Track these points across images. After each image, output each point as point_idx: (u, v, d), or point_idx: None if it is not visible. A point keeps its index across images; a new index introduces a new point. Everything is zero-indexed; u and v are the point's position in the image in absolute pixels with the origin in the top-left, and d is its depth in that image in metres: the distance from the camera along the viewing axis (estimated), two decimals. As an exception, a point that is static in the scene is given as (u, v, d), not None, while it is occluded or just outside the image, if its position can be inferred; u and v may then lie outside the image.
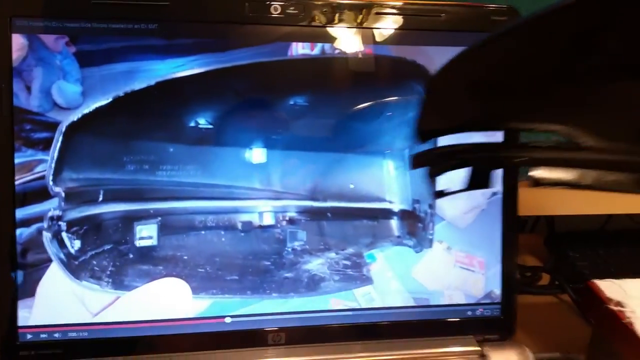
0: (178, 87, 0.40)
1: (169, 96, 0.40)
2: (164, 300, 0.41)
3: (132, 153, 0.40)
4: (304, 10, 0.40)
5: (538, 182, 0.27)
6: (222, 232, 0.42)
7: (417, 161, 0.30)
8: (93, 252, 0.40)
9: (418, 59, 0.43)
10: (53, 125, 0.39)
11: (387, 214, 0.44)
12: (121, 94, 0.39)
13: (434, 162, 0.29)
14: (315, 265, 0.43)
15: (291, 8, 0.40)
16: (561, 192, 0.53)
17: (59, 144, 0.39)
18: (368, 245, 0.44)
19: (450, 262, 0.44)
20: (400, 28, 0.42)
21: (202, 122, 0.40)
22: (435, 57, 0.43)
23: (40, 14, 0.38)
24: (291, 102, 0.42)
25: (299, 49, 0.41)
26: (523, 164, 0.28)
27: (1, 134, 0.39)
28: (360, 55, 0.42)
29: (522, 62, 0.25)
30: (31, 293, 0.40)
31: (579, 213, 0.61)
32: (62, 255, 0.40)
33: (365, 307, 0.44)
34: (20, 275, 0.40)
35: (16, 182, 0.39)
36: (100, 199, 0.40)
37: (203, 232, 0.41)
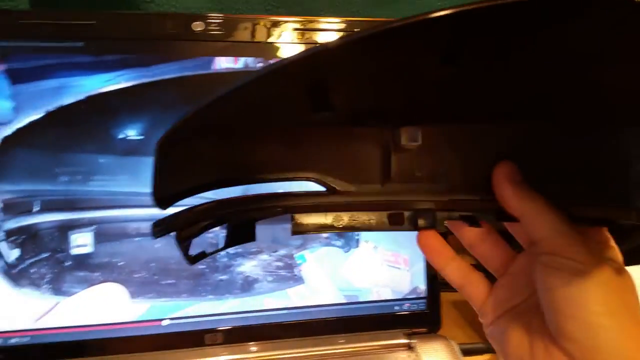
0: (107, 101, 0.41)
1: (99, 110, 0.41)
2: (103, 305, 0.43)
3: (65, 165, 0.41)
4: (225, 27, 0.42)
5: (298, 230, 0.28)
6: (158, 239, 0.43)
7: (158, 229, 0.26)
8: (31, 260, 0.42)
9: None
10: (-13, 140, 0.41)
11: (318, 216, 0.46)
12: (52, 108, 0.41)
13: (180, 227, 0.26)
14: (249, 267, 0.45)
15: (213, 25, 0.42)
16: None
17: (-6, 158, 0.41)
18: (298, 247, 0.46)
19: (378, 260, 0.47)
20: (316, 43, 0.44)
21: (132, 133, 0.42)
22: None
23: (-29, 33, 0.40)
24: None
25: (222, 63, 0.43)
26: (278, 213, 0.28)
27: (-63, 149, 0.40)
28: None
29: (261, 112, 0.25)
30: (-28, 302, 0.42)
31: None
32: (1, 264, 0.42)
33: (298, 306, 0.46)
34: (-38, 284, 0.41)
35: (-47, 196, 0.41)
36: (37, 209, 0.42)
37: (137, 238, 0.43)
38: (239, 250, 0.45)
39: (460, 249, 0.30)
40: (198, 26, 0.41)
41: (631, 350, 0.22)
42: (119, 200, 0.42)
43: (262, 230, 0.45)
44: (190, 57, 0.42)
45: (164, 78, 0.42)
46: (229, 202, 0.28)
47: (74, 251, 0.42)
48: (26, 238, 0.42)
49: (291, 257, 0.46)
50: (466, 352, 0.46)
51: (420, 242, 0.29)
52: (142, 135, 0.42)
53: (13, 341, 0.43)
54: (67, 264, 0.42)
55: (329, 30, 0.44)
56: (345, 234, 0.46)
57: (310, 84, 0.23)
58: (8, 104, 0.41)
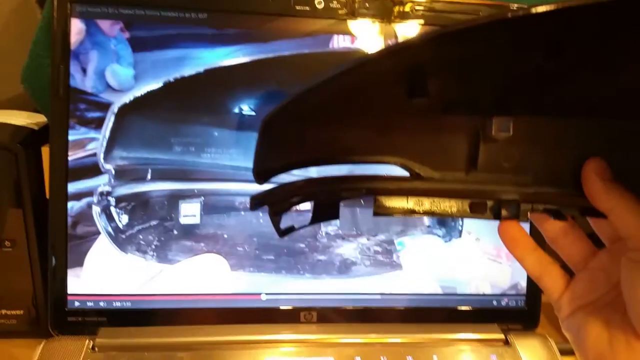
0: (225, 75, 0.42)
1: (216, 83, 0.42)
2: (204, 275, 0.44)
3: (179, 135, 0.42)
4: (346, 5, 0.42)
5: (379, 211, 0.28)
6: (260, 214, 0.44)
7: (255, 202, 0.28)
8: (139, 227, 0.43)
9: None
10: (106, 106, 0.42)
11: (418, 203, 0.45)
12: (171, 79, 0.41)
13: (273, 202, 0.28)
14: (348, 249, 0.45)
15: (334, 2, 0.41)
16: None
17: (110, 124, 0.42)
18: (399, 232, 0.45)
19: (478, 253, 0.46)
20: (438, 25, 0.43)
21: (246, 108, 0.42)
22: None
23: (98, 0, 0.40)
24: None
25: (340, 42, 0.42)
26: (362, 194, 0.29)
27: (58, 112, 0.41)
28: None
29: (357, 98, 0.26)
30: (80, 263, 0.43)
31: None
32: (109, 229, 0.43)
33: (393, 292, 0.45)
34: (70, 246, 0.43)
35: (69, 158, 0.42)
36: (149, 177, 0.42)
37: (243, 212, 0.43)
38: (339, 232, 0.45)
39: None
40: (320, 3, 0.41)
41: None
42: (228, 173, 0.43)
43: (363, 213, 0.45)
44: (309, 35, 0.42)
45: (281, 54, 0.42)
46: (318, 180, 0.29)
47: (183, 220, 0.43)
48: (136, 205, 0.43)
49: (391, 242, 0.45)
50: (563, 353, 0.44)
51: (501, 232, 0.29)
52: (256, 111, 0.42)
53: (116, 305, 0.44)
54: (174, 232, 0.43)
55: (453, 13, 0.43)
56: (448, 223, 0.45)
57: (407, 72, 0.24)
58: (128, 71, 0.41)
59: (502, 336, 0.45)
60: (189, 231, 0.43)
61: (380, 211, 0.28)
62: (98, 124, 0.42)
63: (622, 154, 0.26)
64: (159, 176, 0.42)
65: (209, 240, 0.43)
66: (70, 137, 0.41)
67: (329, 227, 0.44)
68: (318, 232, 0.44)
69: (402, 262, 0.45)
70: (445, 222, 0.45)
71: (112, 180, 0.42)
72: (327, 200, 0.29)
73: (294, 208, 0.29)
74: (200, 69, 0.41)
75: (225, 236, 0.43)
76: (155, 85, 0.41)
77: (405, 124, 0.27)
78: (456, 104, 0.26)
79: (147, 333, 0.43)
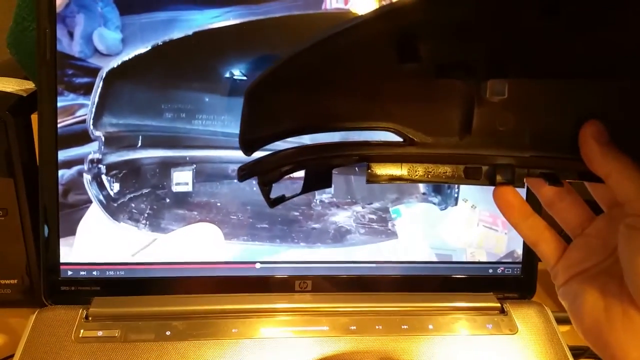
0: (214, 38, 0.40)
1: (206, 46, 0.41)
2: (198, 244, 0.43)
3: (169, 101, 0.41)
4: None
5: (372, 179, 0.28)
6: (254, 182, 0.43)
7: (243, 173, 0.28)
8: (131, 195, 0.42)
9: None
10: (94, 71, 0.41)
11: (414, 171, 0.45)
12: (160, 42, 0.40)
13: (262, 172, 0.28)
14: (342, 217, 0.44)
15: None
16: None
17: (99, 89, 0.41)
18: (394, 200, 0.45)
19: (474, 220, 0.45)
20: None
21: (237, 73, 0.41)
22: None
23: (83, -40, 0.39)
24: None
25: (332, 3, 0.41)
26: (354, 161, 0.28)
27: (44, 77, 0.40)
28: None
29: (347, 63, 0.25)
30: (72, 232, 0.42)
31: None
32: (101, 197, 0.42)
33: (389, 260, 0.45)
34: (61, 214, 0.42)
35: (59, 125, 0.41)
36: (139, 144, 0.42)
37: (236, 180, 0.43)
38: (334, 200, 0.44)
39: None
40: (314, -38, 0.40)
41: None
42: (221, 140, 0.42)
43: (357, 181, 0.44)
44: (302, -4, 0.40)
45: (272, 16, 0.40)
46: (308, 148, 0.28)
47: (175, 188, 0.42)
48: (127, 172, 0.42)
49: (386, 210, 0.45)
50: (560, 321, 0.44)
51: (496, 197, 0.28)
52: (247, 75, 0.41)
53: (109, 274, 0.43)
54: (166, 200, 0.42)
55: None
56: (444, 190, 0.45)
57: (398, 36, 0.23)
58: (116, 35, 0.40)
59: (498, 305, 0.45)
60: (181, 199, 0.43)
61: (374, 179, 0.28)
62: (87, 89, 0.41)
63: (621, 115, 0.26)
64: (150, 143, 0.42)
65: (202, 209, 0.43)
66: (59, 104, 0.41)
67: (324, 195, 0.44)
68: (312, 201, 0.44)
69: (397, 230, 0.45)
70: (441, 190, 0.45)
71: (103, 147, 0.42)
72: (319, 169, 0.29)
73: (285, 177, 0.28)
74: (190, 32, 0.40)
75: (219, 204, 0.43)
76: (143, 49, 0.40)
77: (397, 89, 0.27)
78: (449, 67, 0.26)
79: (140, 302, 0.43)
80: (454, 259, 0.46)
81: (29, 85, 0.46)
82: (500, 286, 0.46)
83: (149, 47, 0.40)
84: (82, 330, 0.41)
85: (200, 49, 0.40)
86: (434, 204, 0.45)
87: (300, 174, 0.29)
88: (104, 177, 0.42)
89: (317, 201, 0.44)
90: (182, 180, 0.42)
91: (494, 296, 0.45)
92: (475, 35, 0.24)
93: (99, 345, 0.40)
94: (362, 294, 0.45)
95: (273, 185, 0.29)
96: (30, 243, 0.46)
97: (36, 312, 0.42)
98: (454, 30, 0.23)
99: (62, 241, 0.42)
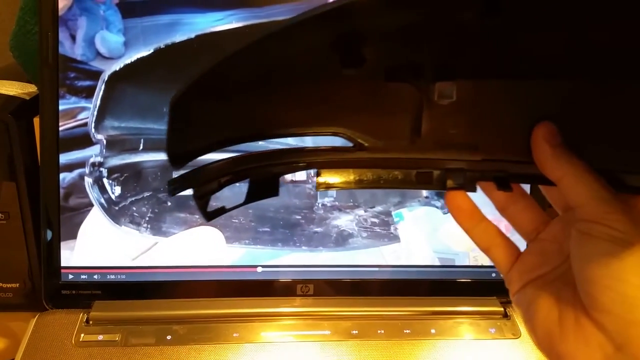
0: (217, 41, 0.40)
1: (208, 49, 0.40)
2: (200, 248, 0.43)
3: (171, 104, 0.41)
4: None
5: (322, 187, 0.27)
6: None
7: (175, 187, 0.26)
8: (133, 199, 0.42)
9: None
10: (96, 74, 0.41)
11: (417, 174, 0.44)
12: (162, 45, 0.40)
13: (198, 184, 0.26)
14: (344, 221, 0.44)
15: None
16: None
17: (101, 93, 0.41)
18: (396, 204, 0.44)
19: (478, 224, 0.45)
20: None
21: (240, 76, 0.41)
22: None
23: (86, -37, 0.39)
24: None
25: (337, 6, 0.41)
26: (301, 168, 0.27)
27: (46, 80, 0.40)
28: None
29: (286, 66, 0.24)
30: (73, 235, 0.42)
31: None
32: (102, 200, 0.42)
33: (391, 264, 0.45)
34: (62, 218, 0.42)
35: (60, 128, 0.41)
36: (141, 147, 0.42)
37: (237, 184, 0.42)
38: (336, 203, 0.44)
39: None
40: (316, -35, 0.40)
41: None
42: (222, 143, 0.42)
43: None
44: (304, 0, 0.40)
45: (275, 19, 0.40)
46: (245, 157, 0.27)
47: (177, 192, 0.42)
48: (129, 176, 0.42)
49: (388, 214, 0.44)
50: (563, 326, 0.44)
51: (447, 202, 0.28)
52: (250, 78, 0.41)
53: (110, 278, 0.43)
54: (168, 204, 0.42)
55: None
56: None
57: (339, 38, 0.22)
58: (118, 38, 0.40)
59: (501, 309, 0.45)
60: (183, 203, 0.42)
61: (324, 187, 0.27)
62: (89, 93, 0.41)
63: (573, 117, 0.25)
64: (152, 146, 0.42)
65: (203, 212, 0.43)
66: (61, 107, 0.41)
67: (326, 199, 0.44)
68: (314, 204, 0.44)
69: (399, 234, 0.45)
70: (443, 194, 0.44)
71: (104, 150, 0.42)
72: (264, 177, 0.28)
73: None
74: (192, 35, 0.40)
75: (220, 208, 0.43)
76: (146, 52, 0.40)
77: (343, 92, 0.26)
78: (396, 70, 0.25)
79: (141, 306, 0.43)
80: (457, 263, 0.45)
81: (32, 88, 0.46)
82: (504, 290, 0.45)
83: (151, 50, 0.40)
84: (82, 334, 0.40)
85: (203, 52, 0.40)
86: (437, 207, 0.45)
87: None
88: (105, 181, 0.42)
89: (319, 204, 0.44)
90: (183, 183, 0.42)
91: (497, 300, 0.45)
92: (420, 36, 0.23)
93: (99, 349, 0.40)
94: (364, 298, 0.45)
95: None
96: (32, 247, 0.45)
97: (37, 316, 0.42)
98: (399, 31, 0.22)
99: (63, 245, 0.42)
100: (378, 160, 0.27)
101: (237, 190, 0.42)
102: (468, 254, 0.45)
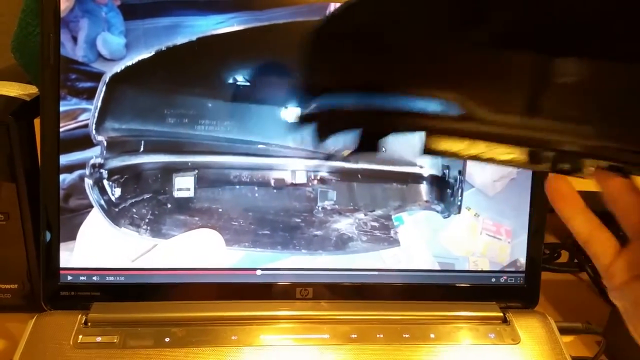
0: (218, 44, 0.40)
1: (209, 52, 0.41)
2: (199, 250, 0.43)
3: (172, 106, 0.41)
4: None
5: (429, 149, 0.27)
6: (256, 188, 0.43)
7: (306, 118, 0.28)
8: (133, 200, 0.42)
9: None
10: (97, 76, 0.41)
11: (416, 178, 0.44)
12: (163, 48, 0.40)
13: (325, 122, 0.28)
14: (344, 225, 0.44)
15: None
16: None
17: (102, 94, 0.41)
18: (397, 208, 0.44)
19: (477, 229, 0.45)
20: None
21: (240, 79, 0.41)
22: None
23: (88, -35, 0.39)
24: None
25: (338, 9, 0.41)
26: (409, 130, 0.27)
27: (48, 82, 0.40)
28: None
29: (405, 23, 0.24)
30: (72, 237, 0.42)
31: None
32: (102, 202, 0.42)
33: (390, 268, 0.45)
34: (62, 219, 0.42)
35: (61, 129, 0.41)
36: (141, 149, 0.42)
37: (237, 186, 0.43)
38: (336, 206, 0.44)
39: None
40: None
41: None
42: (223, 146, 0.42)
43: (360, 188, 0.44)
44: (305, 3, 0.40)
45: (276, 22, 0.40)
46: (373, 109, 0.27)
47: (177, 194, 0.42)
48: (129, 177, 0.42)
49: (388, 218, 0.44)
50: (563, 331, 0.44)
51: (549, 187, 0.27)
52: (250, 81, 0.41)
53: (109, 279, 0.43)
54: (168, 206, 0.42)
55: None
56: (447, 198, 0.44)
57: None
58: (120, 40, 0.40)
59: (500, 314, 0.44)
60: (183, 205, 0.42)
61: (431, 149, 0.27)
62: (90, 94, 0.41)
63: None
64: (152, 148, 0.42)
65: (203, 215, 0.43)
66: (62, 108, 0.41)
67: (326, 202, 0.43)
68: (314, 207, 0.43)
69: (399, 237, 0.45)
70: (444, 198, 0.44)
71: (105, 152, 0.42)
72: (373, 131, 0.28)
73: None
74: (193, 38, 0.40)
75: (220, 210, 0.43)
76: (147, 54, 0.40)
77: (463, 58, 0.25)
78: (519, 38, 0.24)
79: (140, 308, 0.43)
80: (457, 268, 0.45)
81: (33, 89, 0.46)
82: (503, 295, 0.46)
83: (153, 52, 0.40)
84: (80, 336, 0.40)
85: (204, 55, 0.41)
86: (437, 211, 0.45)
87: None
88: (105, 182, 0.42)
89: (319, 208, 0.44)
90: (183, 185, 0.42)
91: (496, 305, 0.45)
92: (551, 5, 0.22)
93: (97, 351, 0.40)
94: (364, 302, 0.44)
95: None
96: (31, 248, 0.46)
97: (35, 317, 0.41)
98: None
99: (62, 246, 0.42)
100: (489, 133, 0.26)
101: (238, 193, 0.43)
102: (468, 258, 0.45)
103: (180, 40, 0.40)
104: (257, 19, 0.40)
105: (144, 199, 0.42)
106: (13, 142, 0.42)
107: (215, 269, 0.43)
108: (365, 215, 0.44)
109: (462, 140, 0.27)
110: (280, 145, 0.42)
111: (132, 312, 0.42)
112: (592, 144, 0.25)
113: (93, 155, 0.41)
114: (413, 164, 0.44)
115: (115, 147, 0.41)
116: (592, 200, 0.28)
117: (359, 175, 0.44)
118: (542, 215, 0.45)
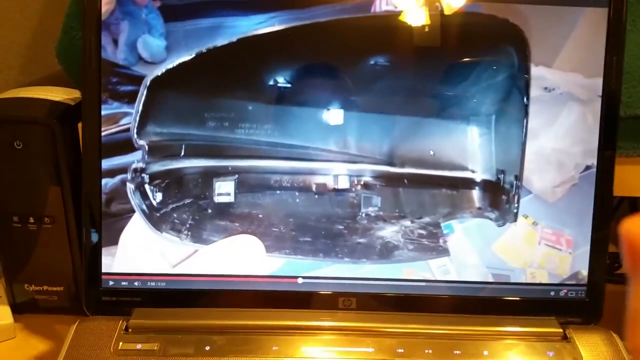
0: (259, 44, 0.39)
1: (250, 53, 0.39)
2: (239, 257, 0.42)
3: (213, 110, 0.40)
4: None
5: None
6: (297, 193, 0.41)
7: None
8: (174, 205, 0.41)
9: (511, 17, 0.40)
10: (138, 79, 0.40)
11: (468, 183, 0.42)
12: (204, 49, 0.39)
13: None
14: (389, 232, 0.42)
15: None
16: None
17: (143, 98, 0.40)
18: (446, 215, 0.42)
19: (536, 238, 0.42)
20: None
21: (281, 80, 0.40)
22: (530, 16, 0.39)
23: (129, -33, 0.39)
24: (372, 62, 0.40)
25: (382, 5, 0.39)
26: None
27: (89, 85, 0.40)
28: (447, 12, 0.39)
29: None
30: (114, 242, 0.42)
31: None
32: (144, 207, 0.42)
33: (440, 280, 0.42)
34: (104, 224, 0.42)
35: (102, 134, 0.41)
36: (182, 153, 0.41)
37: (278, 191, 0.41)
38: (380, 213, 0.42)
39: None
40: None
41: None
42: (264, 150, 0.41)
43: (407, 194, 0.42)
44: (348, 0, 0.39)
45: (319, 21, 0.39)
46: None
47: (217, 199, 0.41)
48: (170, 182, 0.41)
49: (437, 225, 0.42)
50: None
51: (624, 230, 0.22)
52: (292, 82, 0.40)
53: (151, 285, 0.43)
54: (208, 211, 0.41)
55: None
56: (502, 205, 0.41)
57: None
58: (160, 42, 0.40)
59: (560, 330, 0.41)
60: (223, 210, 0.41)
61: None
62: (131, 98, 0.40)
63: None
64: (193, 152, 0.41)
65: (243, 220, 0.42)
66: (103, 112, 0.40)
67: (369, 208, 0.41)
68: (358, 214, 0.42)
69: (449, 247, 0.42)
70: (498, 205, 0.41)
71: (146, 156, 0.41)
72: None
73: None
74: (234, 39, 0.39)
75: (260, 216, 0.41)
76: (187, 56, 0.40)
77: None
78: None
79: (181, 315, 0.42)
80: (512, 280, 0.42)
81: (77, 94, 0.46)
82: (563, 310, 0.42)
83: (193, 55, 0.40)
84: (121, 343, 0.40)
85: (245, 56, 0.39)
86: (491, 219, 0.42)
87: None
88: (147, 187, 0.41)
89: (363, 214, 0.42)
90: (224, 190, 0.41)
91: (555, 321, 0.42)
92: None
93: (137, 358, 0.39)
94: (411, 314, 0.42)
95: None
96: (76, 251, 0.46)
97: (77, 323, 0.41)
98: None
99: (104, 251, 0.42)
100: None
101: (278, 198, 0.41)
102: (525, 270, 0.42)
103: (220, 41, 0.39)
104: (298, 18, 0.39)
105: (185, 204, 0.41)
106: (58, 146, 0.42)
107: (255, 276, 0.42)
108: (412, 222, 0.42)
109: None
110: (322, 149, 0.41)
111: (173, 319, 0.42)
112: None
113: (135, 159, 0.41)
114: (464, 169, 0.41)
115: (156, 151, 0.41)
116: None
117: (405, 180, 0.41)
118: (606, 225, 0.41)
